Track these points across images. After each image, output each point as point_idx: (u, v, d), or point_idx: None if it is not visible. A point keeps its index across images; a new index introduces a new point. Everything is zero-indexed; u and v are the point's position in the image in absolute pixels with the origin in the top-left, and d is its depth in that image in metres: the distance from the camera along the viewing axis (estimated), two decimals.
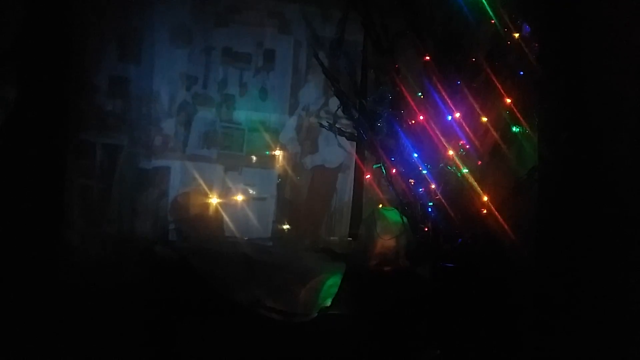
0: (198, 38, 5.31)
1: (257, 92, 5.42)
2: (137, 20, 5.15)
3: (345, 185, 5.55)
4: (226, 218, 5.28)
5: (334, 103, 5.26)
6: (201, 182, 5.29)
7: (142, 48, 5.17)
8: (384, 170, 4.85)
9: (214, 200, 5.28)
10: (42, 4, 4.59)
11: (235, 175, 5.39)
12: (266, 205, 5.41)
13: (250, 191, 5.40)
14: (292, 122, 5.48)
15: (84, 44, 4.99)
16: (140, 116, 5.19)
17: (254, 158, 5.44)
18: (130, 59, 5.17)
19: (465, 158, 4.71)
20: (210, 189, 5.30)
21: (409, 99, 4.69)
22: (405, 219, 4.78)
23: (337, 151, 5.40)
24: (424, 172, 4.72)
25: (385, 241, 4.78)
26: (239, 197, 5.36)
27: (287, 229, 5.42)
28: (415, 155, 4.71)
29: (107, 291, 4.30)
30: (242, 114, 5.41)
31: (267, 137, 5.43)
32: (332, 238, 5.48)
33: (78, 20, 4.90)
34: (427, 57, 4.66)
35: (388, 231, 4.82)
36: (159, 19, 5.19)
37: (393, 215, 4.86)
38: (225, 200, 5.32)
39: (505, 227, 4.49)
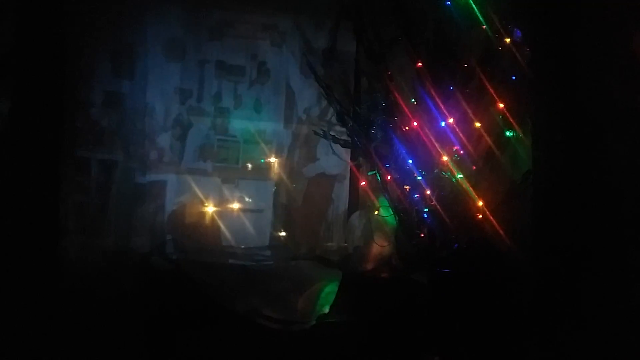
0: (191, 52, 5.34)
1: (252, 104, 5.44)
2: (131, 35, 5.17)
3: (341, 195, 5.54)
4: (223, 230, 5.27)
5: (329, 112, 5.30)
6: (198, 195, 5.28)
7: (135, 63, 5.20)
8: (378, 177, 4.85)
9: (210, 212, 5.27)
10: (37, 19, 4.60)
11: (231, 187, 5.39)
12: (263, 215, 5.40)
13: (247, 203, 5.39)
14: (287, 132, 5.49)
15: (78, 59, 5.01)
16: (135, 131, 5.22)
17: (250, 170, 5.43)
18: (124, 74, 5.20)
19: (460, 163, 4.71)
20: (207, 202, 5.29)
21: (403, 105, 4.70)
22: (399, 224, 4.79)
23: (335, 160, 5.37)
24: (419, 178, 4.72)
25: (380, 247, 4.80)
26: (236, 209, 5.34)
27: (284, 237, 5.42)
28: (410, 161, 4.71)
29: (104, 302, 4.28)
30: (237, 127, 5.41)
31: (262, 148, 5.43)
32: (329, 244, 5.47)
33: (72, 36, 4.92)
34: (420, 64, 4.67)
35: (384, 237, 4.84)
36: (152, 34, 5.22)
37: (388, 220, 4.86)
38: (222, 212, 5.31)
39: (501, 231, 4.48)
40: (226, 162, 5.41)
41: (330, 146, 5.09)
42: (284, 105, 5.48)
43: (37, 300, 4.20)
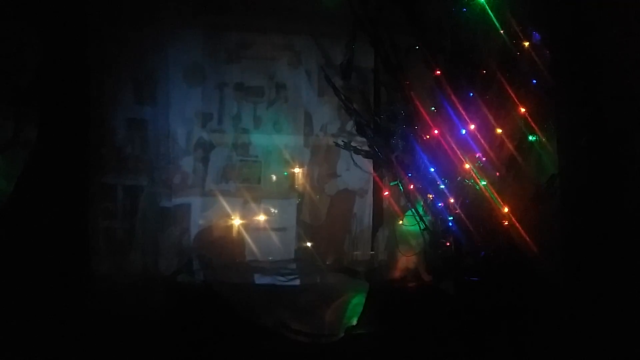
0: (211, 75, 5.39)
1: (272, 124, 5.45)
2: (152, 62, 5.24)
3: (365, 208, 5.49)
4: (248, 248, 5.27)
5: (349, 125, 5.32)
6: (221, 215, 5.30)
7: (157, 89, 5.26)
8: (401, 187, 4.83)
9: (234, 232, 5.27)
10: (61, 47, 4.71)
11: (254, 207, 5.39)
12: (287, 233, 5.39)
13: (271, 222, 5.39)
14: (308, 150, 5.49)
15: (101, 87, 5.11)
16: (158, 156, 5.26)
17: (273, 189, 5.44)
18: (146, 100, 5.26)
19: (483, 170, 4.68)
20: (231, 222, 5.30)
21: (423, 114, 4.69)
22: (425, 234, 4.75)
23: (356, 174, 5.38)
24: (442, 186, 4.69)
25: (407, 257, 4.77)
26: (260, 228, 5.34)
27: (309, 251, 5.38)
28: (432, 169, 4.68)
29: (132, 320, 4.29)
30: (258, 147, 5.44)
31: (284, 167, 5.44)
32: (355, 253, 5.42)
33: (95, 64, 5.02)
34: (438, 72, 4.67)
35: (409, 248, 4.81)
36: (172, 60, 5.27)
37: (413, 230, 4.83)
38: (246, 231, 5.31)
39: (528, 237, 4.43)
40: (248, 182, 5.41)
41: (352, 157, 5.10)
42: (304, 122, 5.48)
43: (66, 323, 4.24)
